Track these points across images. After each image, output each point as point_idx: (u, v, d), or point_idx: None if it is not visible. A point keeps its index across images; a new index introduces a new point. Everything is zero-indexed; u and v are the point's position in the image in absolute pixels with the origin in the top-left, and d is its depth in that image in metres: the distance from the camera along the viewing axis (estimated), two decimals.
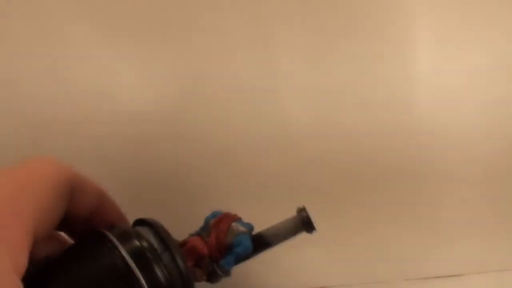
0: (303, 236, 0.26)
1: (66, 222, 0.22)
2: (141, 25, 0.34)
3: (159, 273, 0.21)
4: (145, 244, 0.21)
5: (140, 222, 0.24)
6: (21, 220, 0.18)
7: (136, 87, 0.35)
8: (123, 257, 0.20)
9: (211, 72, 0.35)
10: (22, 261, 0.17)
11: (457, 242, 0.40)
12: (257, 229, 0.26)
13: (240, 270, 0.25)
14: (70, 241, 0.24)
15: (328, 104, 0.36)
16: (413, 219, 0.40)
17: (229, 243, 0.25)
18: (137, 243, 0.21)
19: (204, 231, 0.25)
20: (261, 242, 0.25)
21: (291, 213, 0.26)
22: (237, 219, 0.26)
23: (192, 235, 0.25)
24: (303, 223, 0.25)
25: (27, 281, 0.17)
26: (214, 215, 0.26)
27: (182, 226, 0.25)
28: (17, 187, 0.19)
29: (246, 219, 0.26)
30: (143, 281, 0.20)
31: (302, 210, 0.25)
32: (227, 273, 0.25)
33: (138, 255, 0.20)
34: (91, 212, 0.23)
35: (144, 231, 0.23)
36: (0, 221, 0.17)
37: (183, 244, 0.24)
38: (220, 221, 0.25)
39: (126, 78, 0.35)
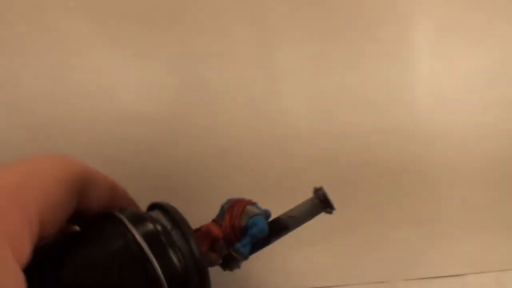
0: (303, 236, 0.26)
1: (78, 215, 0.22)
2: (142, 25, 0.34)
3: (172, 255, 0.20)
4: (158, 226, 0.21)
5: (154, 206, 0.24)
6: (24, 212, 0.18)
7: (136, 87, 0.35)
8: (135, 239, 0.20)
9: (212, 71, 0.35)
10: (23, 251, 0.17)
11: (457, 242, 0.40)
12: None
13: (240, 269, 0.25)
14: None
15: (329, 104, 0.36)
16: (413, 219, 0.40)
17: (244, 225, 0.24)
18: (150, 225, 0.21)
19: (219, 218, 0.25)
20: (279, 226, 0.25)
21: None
22: (252, 203, 0.25)
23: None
24: (321, 203, 0.24)
25: (35, 265, 0.17)
26: (229, 201, 0.25)
27: None
28: (24, 179, 0.18)
29: None
30: (156, 264, 0.19)
31: (318, 190, 0.24)
32: (243, 256, 0.24)
33: (151, 237, 0.20)
34: (104, 205, 0.23)
35: (157, 214, 0.23)
36: (2, 212, 0.17)
37: (197, 229, 0.24)
38: (234, 205, 0.25)
39: (127, 78, 0.35)
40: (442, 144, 0.38)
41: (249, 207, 0.24)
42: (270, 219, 0.25)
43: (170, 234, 0.21)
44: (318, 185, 0.24)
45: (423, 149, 0.38)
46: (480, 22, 0.36)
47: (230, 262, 0.24)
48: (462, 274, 0.40)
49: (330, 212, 0.24)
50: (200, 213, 0.26)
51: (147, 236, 0.20)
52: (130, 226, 0.20)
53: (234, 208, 0.24)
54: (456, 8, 0.36)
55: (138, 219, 0.21)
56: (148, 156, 0.36)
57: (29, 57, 0.33)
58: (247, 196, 0.37)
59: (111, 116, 0.35)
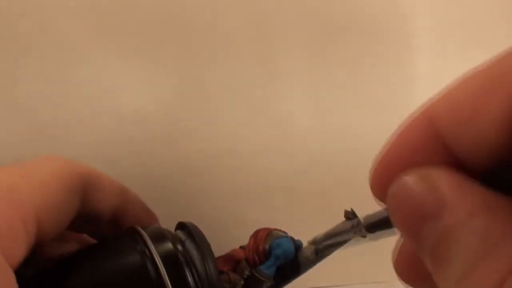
0: (303, 235, 0.26)
1: (89, 223, 0.21)
2: (141, 26, 0.34)
3: (188, 277, 0.19)
4: (178, 246, 0.20)
5: (179, 226, 0.23)
6: (17, 210, 0.17)
7: (136, 87, 0.35)
8: (152, 256, 0.19)
9: (211, 72, 0.35)
10: (15, 250, 0.16)
11: None
12: None
13: None
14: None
15: (328, 105, 0.36)
16: None
17: (268, 247, 0.23)
18: (169, 244, 0.20)
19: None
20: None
21: (290, 214, 0.25)
22: (280, 230, 0.24)
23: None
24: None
25: (39, 275, 0.17)
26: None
27: None
28: (19, 178, 0.18)
29: (245, 220, 0.26)
30: (168, 283, 0.19)
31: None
32: (266, 277, 0.23)
33: (169, 256, 0.19)
34: (114, 211, 0.22)
35: (180, 234, 0.22)
36: None
37: (223, 256, 0.24)
38: (260, 230, 0.24)
39: (126, 79, 0.35)
40: None
41: (275, 232, 0.24)
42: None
43: (189, 255, 0.20)
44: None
45: None
46: (480, 22, 0.36)
47: (252, 283, 0.23)
48: None
49: (364, 236, 0.22)
50: (200, 213, 0.26)
51: (166, 257, 0.19)
52: (149, 242, 0.20)
53: (260, 233, 0.24)
54: (456, 8, 0.36)
55: (159, 236, 0.20)
56: (148, 157, 0.36)
57: (29, 57, 0.33)
58: (246, 196, 0.37)
59: (110, 116, 0.35)
